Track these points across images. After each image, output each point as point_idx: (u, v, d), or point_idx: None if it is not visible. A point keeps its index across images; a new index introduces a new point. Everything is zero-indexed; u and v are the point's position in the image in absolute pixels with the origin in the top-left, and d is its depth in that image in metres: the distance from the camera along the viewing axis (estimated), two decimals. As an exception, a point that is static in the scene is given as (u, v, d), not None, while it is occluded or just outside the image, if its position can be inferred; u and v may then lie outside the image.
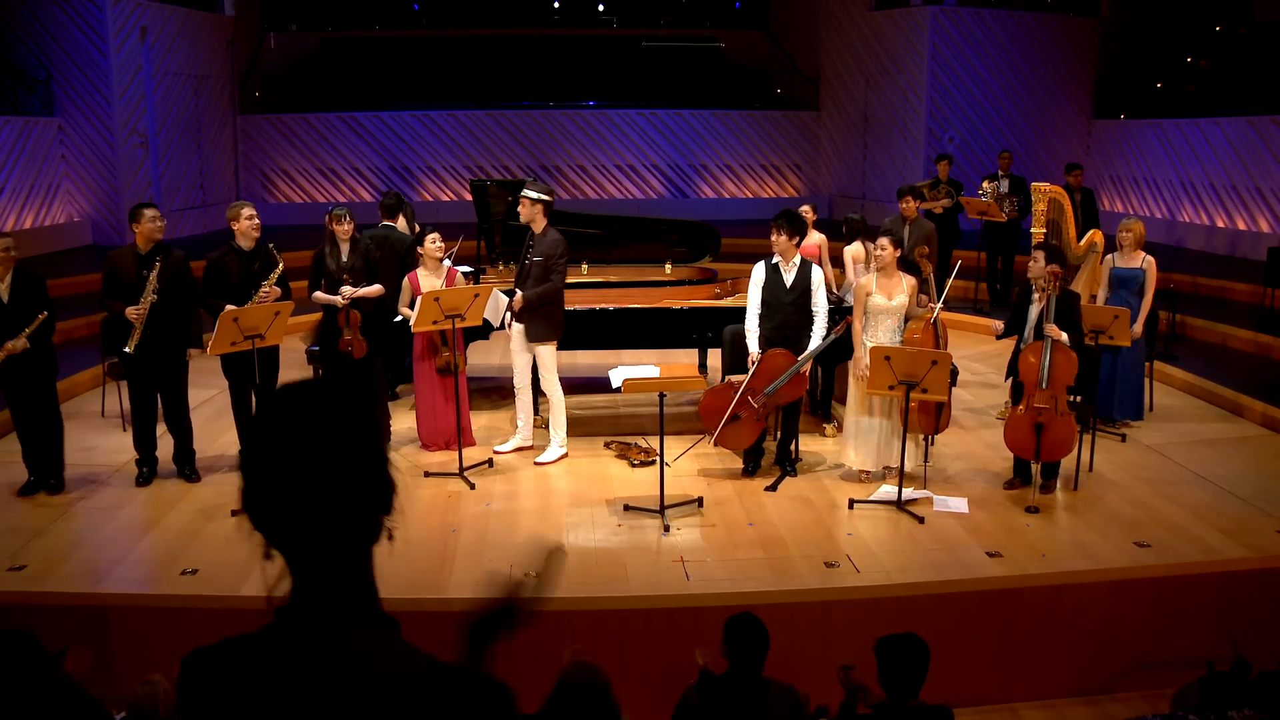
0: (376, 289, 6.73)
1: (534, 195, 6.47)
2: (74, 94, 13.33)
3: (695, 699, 3.55)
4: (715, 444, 6.31)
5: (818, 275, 6.33)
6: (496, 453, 6.77)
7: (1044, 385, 5.85)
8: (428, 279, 6.73)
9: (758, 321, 6.32)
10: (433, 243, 6.72)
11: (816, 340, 6.26)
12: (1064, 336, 5.89)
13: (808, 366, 6.30)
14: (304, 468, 1.26)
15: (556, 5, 19.11)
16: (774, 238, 6.24)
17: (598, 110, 17.45)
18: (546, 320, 6.61)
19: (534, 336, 6.60)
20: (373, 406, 1.35)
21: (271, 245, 6.53)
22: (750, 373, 6.20)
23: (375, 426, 1.33)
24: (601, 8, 19.17)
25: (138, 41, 13.76)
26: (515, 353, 6.76)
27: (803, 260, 6.31)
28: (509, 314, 6.71)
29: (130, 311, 6.00)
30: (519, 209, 6.55)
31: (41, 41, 13.17)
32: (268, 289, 6.29)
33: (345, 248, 6.68)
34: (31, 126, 12.86)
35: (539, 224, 6.49)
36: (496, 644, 1.55)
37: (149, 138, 14.14)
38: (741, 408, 6.17)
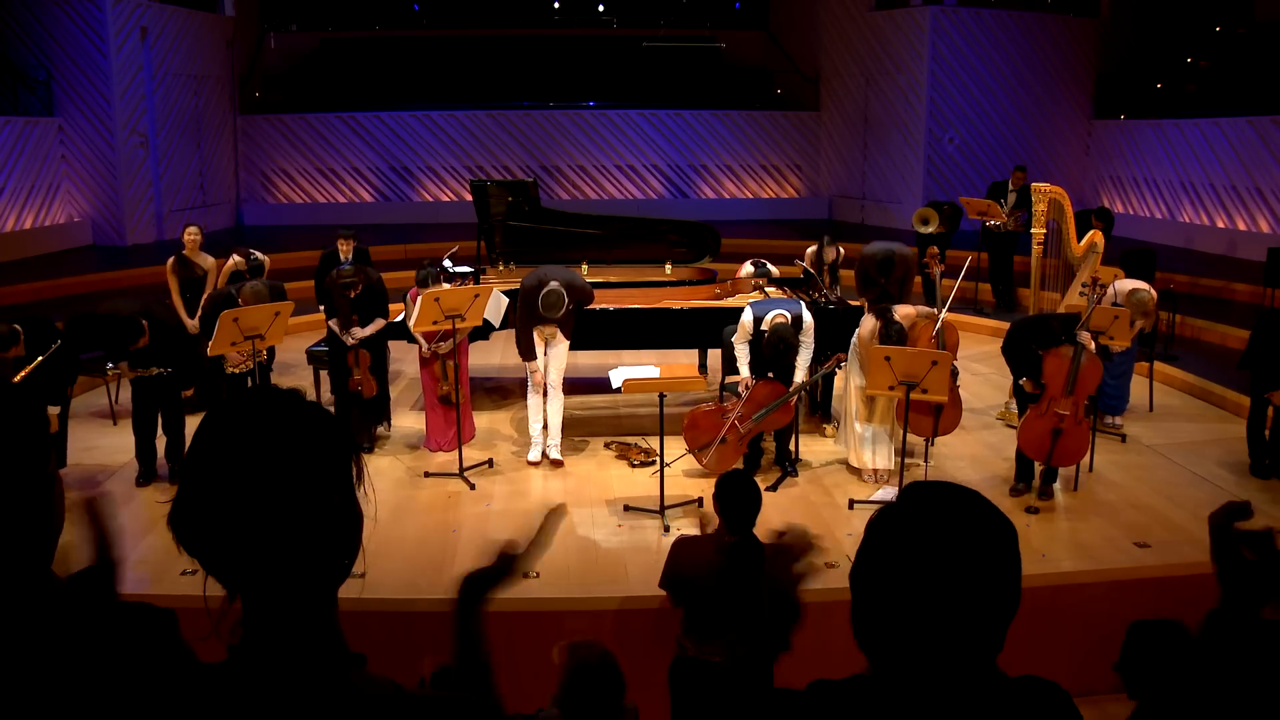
0: (379, 324, 6.84)
1: (562, 290, 6.36)
2: (74, 94, 13.33)
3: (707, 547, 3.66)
4: (703, 466, 6.37)
5: (808, 318, 6.38)
6: (531, 462, 6.72)
7: (1070, 392, 5.85)
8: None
9: (748, 352, 6.44)
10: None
11: (801, 374, 6.38)
12: (1093, 344, 5.90)
13: (795, 399, 6.38)
14: (251, 495, 1.10)
15: (556, 5, 19.11)
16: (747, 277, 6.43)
17: (598, 110, 17.45)
18: (571, 322, 6.68)
19: (568, 334, 6.64)
20: (337, 427, 1.20)
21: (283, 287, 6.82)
22: (741, 400, 6.30)
23: (341, 451, 1.18)
24: (601, 8, 19.17)
25: (138, 41, 13.76)
26: (538, 360, 6.63)
27: (794, 300, 6.47)
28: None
29: (125, 369, 6.15)
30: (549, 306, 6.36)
31: (42, 41, 13.17)
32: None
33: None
34: (32, 126, 12.86)
35: None
36: (487, 598, 1.56)
37: (149, 138, 14.15)
38: (729, 432, 6.25)
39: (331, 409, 6.56)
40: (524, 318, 6.54)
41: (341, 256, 7.67)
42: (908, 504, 1.30)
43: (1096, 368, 5.89)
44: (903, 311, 6.37)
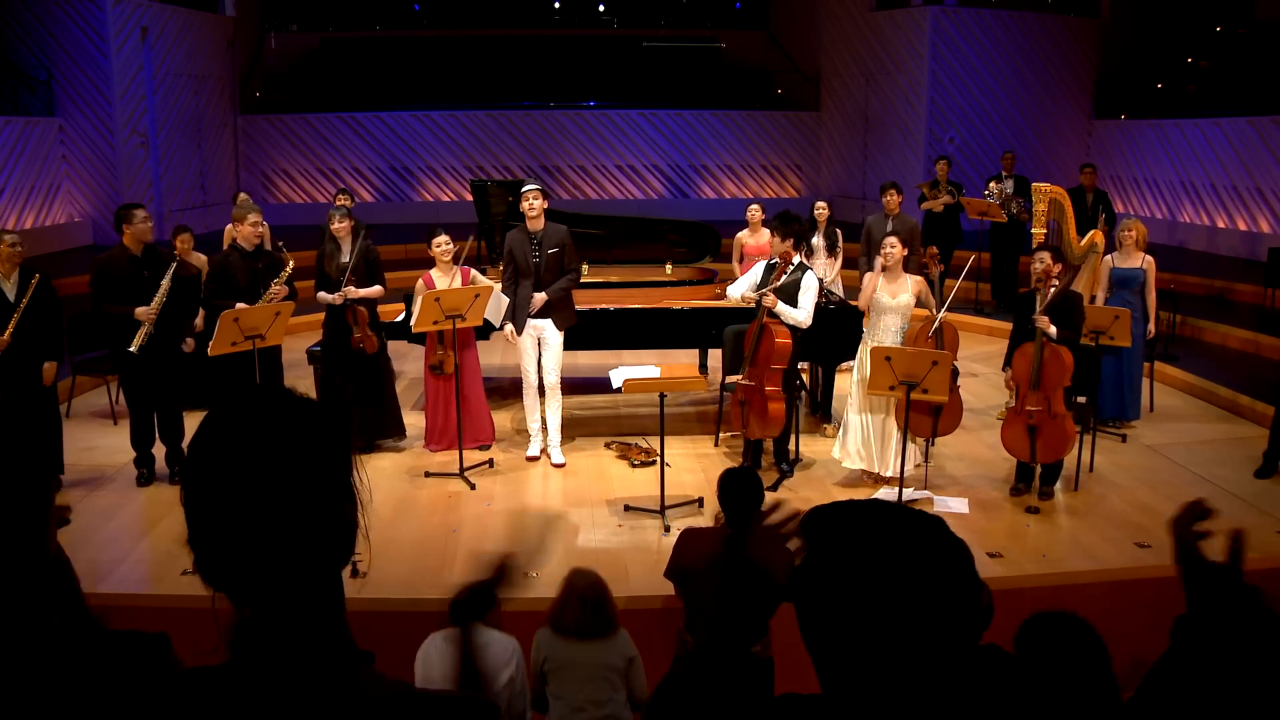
0: (377, 290, 6.72)
1: (541, 188, 6.48)
2: (74, 94, 13.34)
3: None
4: (750, 437, 6.33)
5: (809, 279, 6.32)
6: (530, 457, 6.75)
7: (1035, 387, 5.84)
8: (441, 279, 6.73)
9: (742, 291, 6.43)
10: (439, 246, 6.70)
11: (795, 313, 6.15)
12: (1052, 329, 5.85)
13: (770, 301, 6.11)
14: (252, 498, 1.10)
15: (556, 5, 19.11)
16: (770, 240, 6.29)
17: (598, 110, 17.45)
18: (568, 307, 6.66)
19: (562, 324, 6.60)
20: (337, 422, 1.19)
21: (281, 244, 6.53)
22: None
23: (340, 447, 1.17)
24: (601, 8, 19.17)
25: (138, 42, 13.76)
26: (527, 351, 6.64)
27: (800, 264, 6.33)
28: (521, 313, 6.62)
29: (141, 312, 5.98)
30: (530, 205, 6.38)
31: (42, 41, 13.18)
32: (278, 288, 6.30)
33: (346, 246, 6.67)
34: (32, 126, 12.87)
35: (541, 220, 6.49)
36: (484, 614, 1.53)
37: (149, 138, 14.15)
38: (744, 392, 6.18)
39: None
40: (509, 275, 6.54)
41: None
42: (816, 540, 1.25)
43: (1059, 359, 5.81)
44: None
